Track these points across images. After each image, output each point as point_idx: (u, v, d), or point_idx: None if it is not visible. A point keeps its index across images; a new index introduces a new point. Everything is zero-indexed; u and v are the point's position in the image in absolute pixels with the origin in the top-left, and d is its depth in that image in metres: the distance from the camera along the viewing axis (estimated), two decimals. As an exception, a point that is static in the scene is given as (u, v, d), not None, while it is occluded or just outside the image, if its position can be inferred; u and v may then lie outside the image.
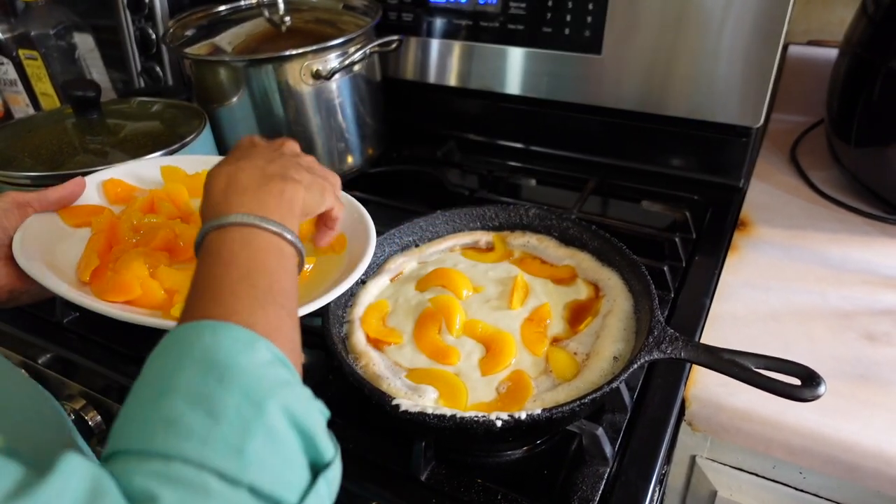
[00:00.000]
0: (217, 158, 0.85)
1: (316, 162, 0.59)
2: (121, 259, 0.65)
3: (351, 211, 0.74)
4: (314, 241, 0.64)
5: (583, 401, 0.54)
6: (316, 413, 0.40)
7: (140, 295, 0.62)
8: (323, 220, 0.62)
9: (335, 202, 0.59)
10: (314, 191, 0.55)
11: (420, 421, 0.54)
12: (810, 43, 1.17)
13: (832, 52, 1.01)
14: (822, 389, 0.53)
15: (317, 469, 0.39)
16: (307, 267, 0.69)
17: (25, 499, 0.29)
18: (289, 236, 0.48)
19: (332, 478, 0.40)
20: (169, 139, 0.88)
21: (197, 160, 0.83)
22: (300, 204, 0.52)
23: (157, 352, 0.39)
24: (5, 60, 1.26)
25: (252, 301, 0.42)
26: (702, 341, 0.74)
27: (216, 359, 0.37)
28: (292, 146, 0.59)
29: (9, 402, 0.48)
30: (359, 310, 0.72)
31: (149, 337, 0.77)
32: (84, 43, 1.32)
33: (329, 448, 0.40)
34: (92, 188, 0.74)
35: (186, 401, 0.35)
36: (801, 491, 0.70)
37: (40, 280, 0.58)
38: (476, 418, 0.53)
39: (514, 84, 1.11)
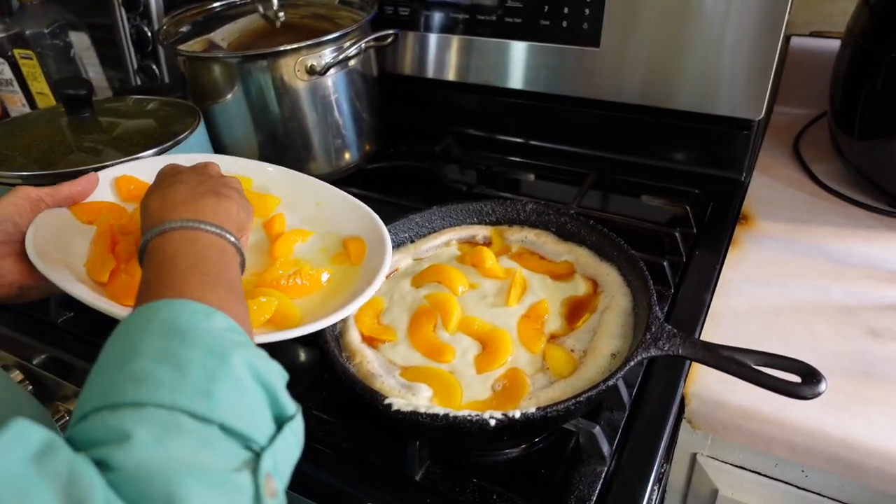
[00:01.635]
0: (248, 162, 0.85)
1: (240, 184, 0.62)
2: (132, 261, 0.64)
3: (367, 221, 0.74)
4: None
5: (578, 399, 0.53)
6: (275, 371, 0.42)
7: None
8: None
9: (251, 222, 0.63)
10: (245, 209, 0.58)
11: (412, 420, 0.53)
12: (812, 34, 1.15)
13: (835, 44, 1.00)
14: (822, 387, 0.52)
15: (280, 424, 0.41)
16: (324, 277, 0.69)
17: None
18: (228, 235, 0.50)
19: (297, 428, 0.42)
20: (163, 137, 0.87)
21: (224, 161, 0.82)
22: (234, 215, 0.54)
23: (116, 332, 0.40)
24: (0, 60, 1.25)
25: (202, 285, 0.44)
26: (702, 338, 0.72)
27: (177, 325, 0.39)
28: (215, 168, 0.62)
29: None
30: (353, 307, 0.71)
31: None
32: (80, 41, 1.32)
33: (291, 404, 0.42)
34: (105, 184, 0.73)
35: (153, 360, 0.37)
36: (804, 490, 0.69)
37: (54, 280, 0.58)
38: (469, 417, 0.52)
39: (512, 78, 1.10)
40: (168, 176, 0.59)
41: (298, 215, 0.78)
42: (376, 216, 0.75)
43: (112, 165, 0.77)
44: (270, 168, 0.83)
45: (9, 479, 0.29)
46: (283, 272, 0.68)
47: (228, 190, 0.57)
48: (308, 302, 0.67)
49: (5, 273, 0.61)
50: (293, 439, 0.41)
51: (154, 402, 0.35)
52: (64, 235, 0.66)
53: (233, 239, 0.50)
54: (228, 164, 0.81)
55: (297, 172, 0.82)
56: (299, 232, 0.76)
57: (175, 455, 0.33)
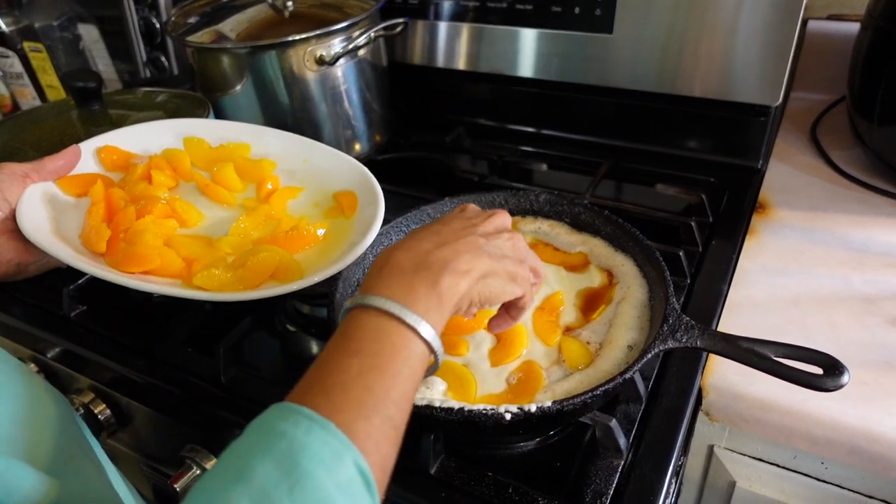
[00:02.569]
0: (231, 124, 0.84)
1: (520, 243, 0.54)
2: (131, 229, 0.65)
3: (356, 174, 0.75)
4: (488, 325, 0.60)
5: (595, 392, 0.52)
6: None
7: (159, 265, 0.63)
8: (506, 307, 0.57)
9: (527, 291, 0.54)
10: (494, 280, 0.50)
11: (427, 414, 0.53)
12: (830, 17, 1.13)
13: (853, 27, 0.98)
14: (845, 379, 0.51)
15: None
16: (320, 232, 0.70)
17: None
18: (424, 333, 0.43)
19: None
20: (172, 129, 0.87)
21: (214, 126, 0.83)
22: (459, 296, 0.46)
23: (261, 419, 0.38)
24: (10, 53, 1.25)
25: (361, 406, 0.39)
26: (719, 329, 0.71)
27: (298, 461, 0.35)
28: (499, 221, 0.54)
29: (18, 408, 0.47)
30: (365, 300, 0.70)
31: (157, 329, 0.78)
32: (89, 34, 1.31)
33: None
34: (88, 156, 0.74)
35: (252, 499, 0.34)
36: (824, 482, 0.68)
37: (51, 252, 0.59)
38: (485, 411, 0.51)
39: (523, 66, 1.08)
40: (440, 221, 0.53)
41: (287, 173, 0.79)
42: (364, 168, 0.76)
43: (93, 136, 0.77)
44: (255, 129, 0.83)
45: None
46: (280, 228, 0.69)
47: (474, 259, 0.48)
48: (306, 256, 0.68)
49: (1, 251, 0.60)
50: None
51: None
52: (54, 209, 0.67)
53: (428, 337, 0.43)
54: (216, 130, 0.82)
55: (280, 131, 0.82)
56: (290, 189, 0.77)
57: None
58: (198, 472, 0.68)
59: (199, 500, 0.35)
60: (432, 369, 0.47)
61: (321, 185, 0.77)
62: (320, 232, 0.69)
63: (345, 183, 0.76)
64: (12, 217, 0.61)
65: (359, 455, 0.37)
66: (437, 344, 0.44)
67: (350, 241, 0.67)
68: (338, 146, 1.04)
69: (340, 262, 0.62)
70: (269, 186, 0.76)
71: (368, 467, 0.37)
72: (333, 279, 0.65)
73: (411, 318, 0.43)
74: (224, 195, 0.74)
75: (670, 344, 0.56)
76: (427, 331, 0.43)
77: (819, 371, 0.51)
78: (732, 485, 0.73)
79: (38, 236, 0.59)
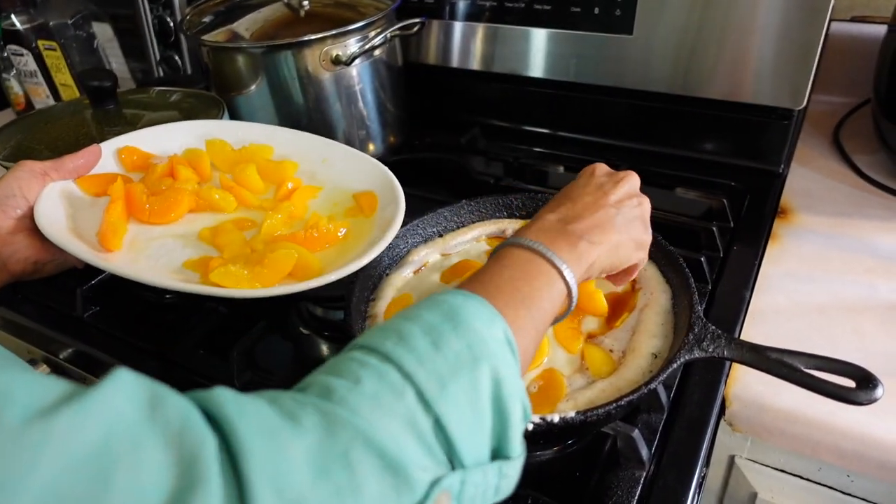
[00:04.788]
0: (249, 125, 0.84)
1: (647, 207, 0.58)
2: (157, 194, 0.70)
3: (376, 173, 0.75)
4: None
5: (619, 403, 0.51)
6: (519, 404, 0.40)
7: (195, 205, 0.70)
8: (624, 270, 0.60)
9: (643, 257, 0.58)
10: (620, 251, 0.54)
11: (447, 423, 0.52)
12: (854, 19, 1.11)
13: (876, 29, 0.96)
14: (879, 392, 0.49)
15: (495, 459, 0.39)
16: (340, 232, 0.69)
17: (75, 402, 0.27)
18: (566, 274, 0.48)
19: (508, 473, 0.39)
20: (187, 129, 0.86)
21: (233, 127, 0.82)
22: (590, 262, 0.51)
23: (422, 300, 0.43)
24: (25, 51, 1.25)
25: (509, 299, 0.45)
26: (742, 337, 0.70)
27: (458, 314, 0.40)
28: (629, 186, 0.57)
29: None
30: (381, 304, 0.69)
31: (170, 331, 0.77)
32: (102, 32, 1.31)
33: (517, 446, 0.40)
34: (108, 156, 0.73)
35: (421, 329, 0.39)
36: (849, 495, 0.66)
37: (69, 249, 0.58)
38: (506, 421, 0.50)
39: (540, 67, 1.07)
40: (576, 184, 0.58)
41: (307, 174, 0.78)
42: (384, 167, 0.75)
43: (113, 137, 0.77)
44: (273, 129, 0.83)
45: (124, 428, 0.27)
46: (300, 227, 0.69)
47: (605, 234, 0.53)
48: (325, 255, 0.67)
49: (18, 248, 0.60)
50: (495, 479, 0.38)
51: (397, 363, 0.36)
52: (72, 208, 0.66)
53: (567, 276, 0.48)
54: (236, 131, 0.81)
55: (298, 131, 0.82)
56: (309, 189, 0.76)
57: (382, 423, 0.34)
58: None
59: (373, 333, 0.40)
60: (561, 317, 0.51)
61: (341, 185, 0.76)
62: (341, 231, 0.69)
63: (365, 183, 0.75)
64: (30, 215, 0.61)
65: (508, 328, 0.42)
66: (574, 290, 0.49)
67: (370, 239, 0.66)
68: (352, 147, 1.03)
69: (359, 260, 0.61)
70: (290, 186, 0.75)
71: (515, 340, 0.41)
72: (350, 282, 0.64)
73: (556, 260, 0.49)
74: (245, 196, 0.74)
75: (696, 354, 0.54)
76: (568, 273, 0.49)
77: (851, 384, 0.50)
78: (754, 496, 0.72)
79: (56, 234, 0.59)
